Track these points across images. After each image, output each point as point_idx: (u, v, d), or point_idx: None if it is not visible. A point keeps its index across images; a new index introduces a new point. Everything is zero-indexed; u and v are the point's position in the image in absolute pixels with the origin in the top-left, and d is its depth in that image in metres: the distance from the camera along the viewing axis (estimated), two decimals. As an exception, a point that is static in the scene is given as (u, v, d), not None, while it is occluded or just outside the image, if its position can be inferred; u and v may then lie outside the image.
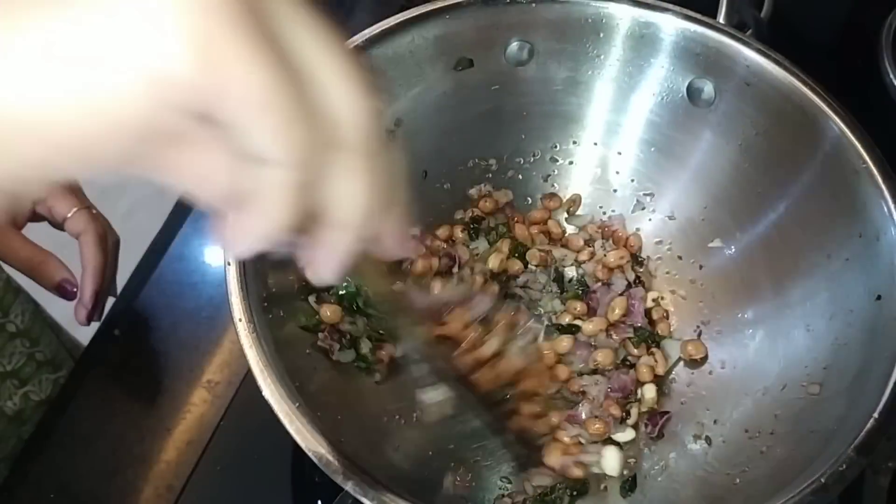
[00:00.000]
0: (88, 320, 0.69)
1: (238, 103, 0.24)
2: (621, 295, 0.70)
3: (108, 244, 0.69)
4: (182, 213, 0.83)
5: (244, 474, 0.68)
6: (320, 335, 0.61)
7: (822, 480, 0.49)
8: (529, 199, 0.76)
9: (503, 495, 0.60)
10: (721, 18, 0.68)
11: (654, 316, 0.71)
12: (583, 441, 0.63)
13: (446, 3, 0.66)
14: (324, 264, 0.30)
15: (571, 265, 0.73)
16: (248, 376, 0.71)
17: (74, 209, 0.67)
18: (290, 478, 0.67)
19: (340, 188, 0.27)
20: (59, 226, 0.69)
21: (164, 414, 0.71)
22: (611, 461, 0.62)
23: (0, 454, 0.74)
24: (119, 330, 0.76)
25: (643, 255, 0.73)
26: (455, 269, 0.70)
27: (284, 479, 0.67)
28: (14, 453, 0.74)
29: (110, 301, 0.83)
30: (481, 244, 0.72)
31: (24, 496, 0.68)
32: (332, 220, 0.28)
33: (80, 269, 0.68)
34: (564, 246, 0.74)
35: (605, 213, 0.75)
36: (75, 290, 0.68)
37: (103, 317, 0.73)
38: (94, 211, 0.69)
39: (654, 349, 0.68)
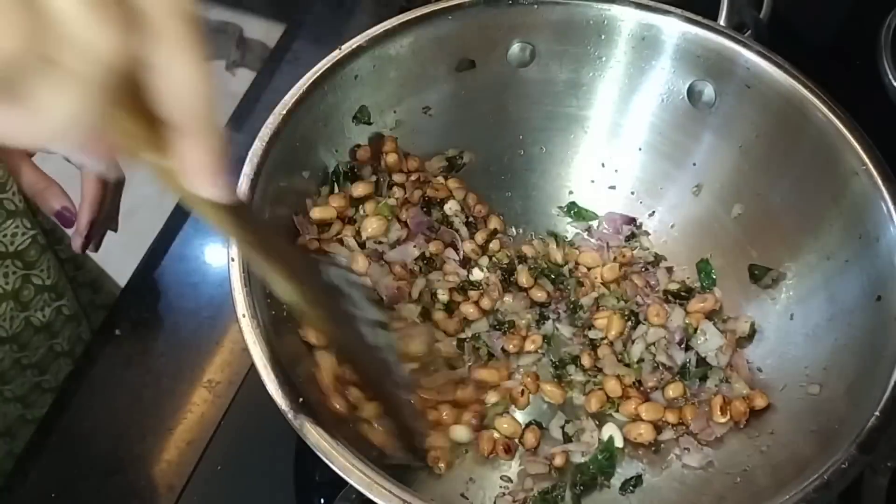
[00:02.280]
0: (83, 249, 0.74)
1: None
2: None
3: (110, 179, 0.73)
4: (183, 213, 0.83)
5: (245, 474, 0.68)
6: None
7: (825, 478, 0.49)
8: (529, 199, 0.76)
9: (504, 493, 0.60)
10: (722, 21, 0.69)
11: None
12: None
13: (448, 4, 0.66)
14: (199, 170, 0.28)
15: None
16: (249, 376, 0.72)
17: None
18: (292, 477, 0.67)
19: (172, 72, 0.26)
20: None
21: (165, 413, 0.71)
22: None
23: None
24: (120, 330, 0.76)
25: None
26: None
27: (286, 478, 0.67)
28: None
29: (110, 300, 0.85)
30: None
31: (25, 496, 0.68)
32: (177, 113, 0.27)
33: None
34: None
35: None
36: (74, 218, 0.73)
37: (99, 248, 0.77)
38: None
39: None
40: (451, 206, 0.70)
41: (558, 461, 0.62)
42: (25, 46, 0.22)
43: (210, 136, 0.27)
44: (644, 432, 0.62)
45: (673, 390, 0.64)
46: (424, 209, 0.69)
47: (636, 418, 0.64)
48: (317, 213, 0.65)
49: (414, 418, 0.57)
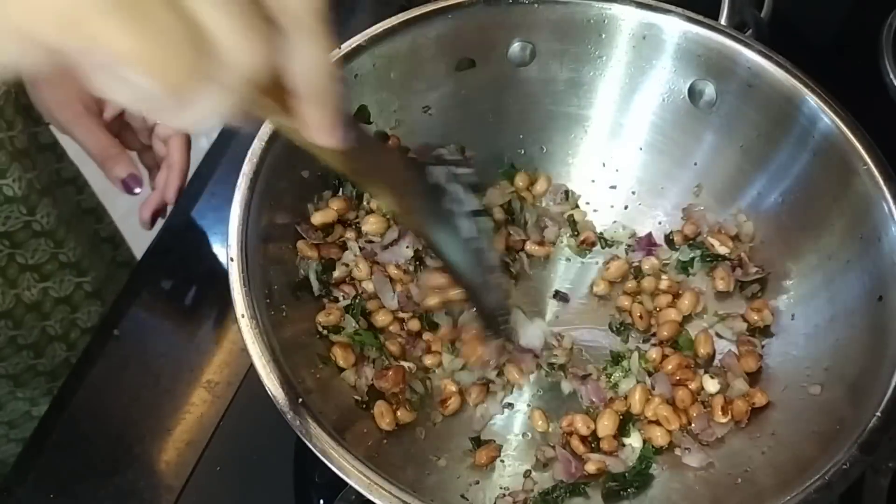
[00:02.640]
0: (152, 221, 0.76)
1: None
2: None
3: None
4: (183, 213, 0.82)
5: (244, 474, 0.68)
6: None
7: (826, 478, 0.49)
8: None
9: (504, 495, 0.60)
10: (723, 20, 0.69)
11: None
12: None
13: (448, 3, 0.66)
14: (321, 127, 0.35)
15: None
16: (248, 376, 0.71)
17: None
18: (291, 477, 0.67)
19: (303, 57, 0.31)
20: (148, 129, 0.76)
21: (164, 414, 0.71)
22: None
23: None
24: (119, 330, 0.76)
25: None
26: None
27: (285, 479, 0.67)
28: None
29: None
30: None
31: (24, 496, 0.67)
32: (305, 88, 0.33)
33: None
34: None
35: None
36: (138, 188, 0.73)
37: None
38: None
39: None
40: None
41: (591, 468, 0.61)
42: (191, 76, 0.27)
43: (329, 101, 0.34)
44: (660, 435, 0.62)
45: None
46: None
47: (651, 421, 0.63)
48: (318, 217, 0.65)
49: (502, 298, 0.63)
